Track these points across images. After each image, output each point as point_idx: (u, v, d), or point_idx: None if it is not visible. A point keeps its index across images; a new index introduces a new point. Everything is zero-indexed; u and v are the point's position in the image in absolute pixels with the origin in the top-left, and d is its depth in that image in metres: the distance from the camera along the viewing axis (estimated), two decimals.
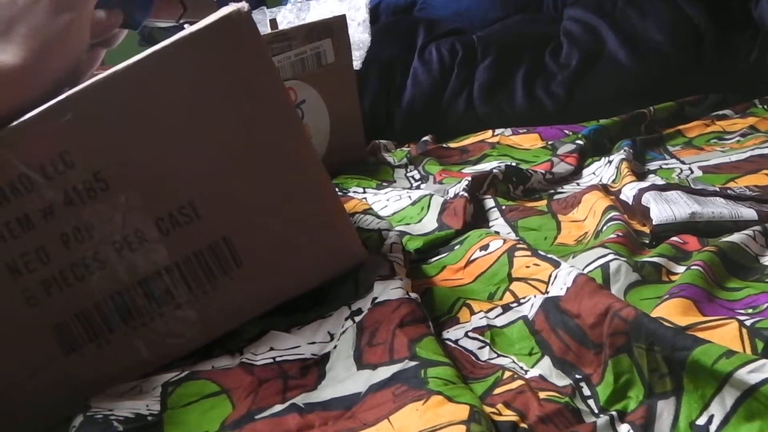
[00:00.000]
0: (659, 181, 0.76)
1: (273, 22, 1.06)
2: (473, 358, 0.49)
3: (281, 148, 0.50)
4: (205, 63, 0.48)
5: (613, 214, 0.65)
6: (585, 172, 0.87)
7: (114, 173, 0.47)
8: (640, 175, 0.79)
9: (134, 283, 0.49)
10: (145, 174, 0.48)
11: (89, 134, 0.47)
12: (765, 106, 1.02)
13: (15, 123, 0.46)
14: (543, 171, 0.84)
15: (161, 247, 0.48)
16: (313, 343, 0.50)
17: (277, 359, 0.49)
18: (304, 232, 0.51)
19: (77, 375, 0.48)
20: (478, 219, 0.72)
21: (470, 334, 0.51)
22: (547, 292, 0.52)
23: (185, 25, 0.53)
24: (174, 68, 0.48)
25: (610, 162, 0.84)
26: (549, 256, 0.56)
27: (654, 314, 0.46)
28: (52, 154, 0.46)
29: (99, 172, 0.47)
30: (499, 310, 0.53)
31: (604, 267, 0.54)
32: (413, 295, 0.52)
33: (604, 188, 0.73)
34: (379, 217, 0.68)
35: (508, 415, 0.41)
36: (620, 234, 0.60)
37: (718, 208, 0.62)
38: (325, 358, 0.49)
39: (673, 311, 0.47)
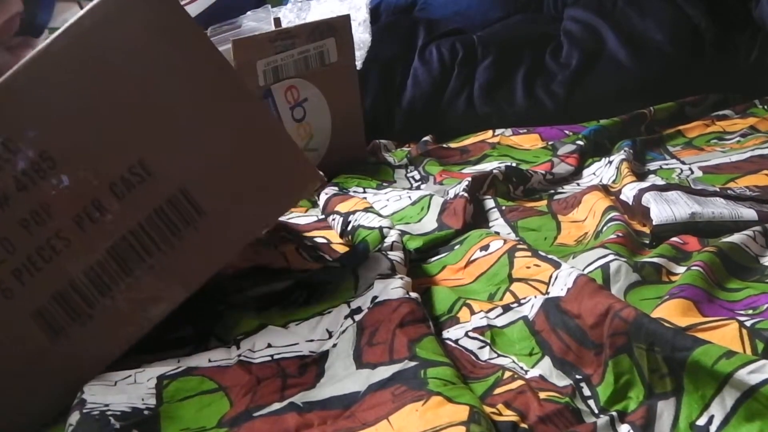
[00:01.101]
0: (659, 182, 0.76)
1: (277, 21, 1.06)
2: (473, 357, 0.49)
3: (217, 91, 0.51)
4: (123, 23, 0.48)
5: (613, 214, 0.65)
6: (585, 172, 0.87)
7: (59, 149, 0.48)
8: (641, 176, 0.79)
9: (103, 253, 0.49)
10: (89, 142, 0.48)
11: (27, 116, 0.48)
12: (765, 106, 1.01)
13: None
14: (543, 171, 0.84)
15: (121, 211, 0.49)
16: (311, 340, 0.50)
17: (275, 357, 0.49)
18: (257, 167, 0.52)
19: (70, 359, 0.48)
20: (478, 219, 0.72)
21: (470, 333, 0.51)
22: (547, 293, 0.52)
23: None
24: (95, 34, 0.48)
25: (610, 162, 0.84)
26: (549, 256, 0.56)
27: (654, 315, 0.46)
28: None
29: (44, 151, 0.47)
30: (499, 310, 0.53)
31: (605, 267, 0.54)
32: (413, 294, 0.51)
33: (605, 188, 0.73)
34: (379, 215, 0.68)
35: (508, 415, 0.41)
36: (620, 234, 0.60)
37: (718, 208, 0.62)
38: (324, 356, 0.49)
39: (673, 312, 0.47)
